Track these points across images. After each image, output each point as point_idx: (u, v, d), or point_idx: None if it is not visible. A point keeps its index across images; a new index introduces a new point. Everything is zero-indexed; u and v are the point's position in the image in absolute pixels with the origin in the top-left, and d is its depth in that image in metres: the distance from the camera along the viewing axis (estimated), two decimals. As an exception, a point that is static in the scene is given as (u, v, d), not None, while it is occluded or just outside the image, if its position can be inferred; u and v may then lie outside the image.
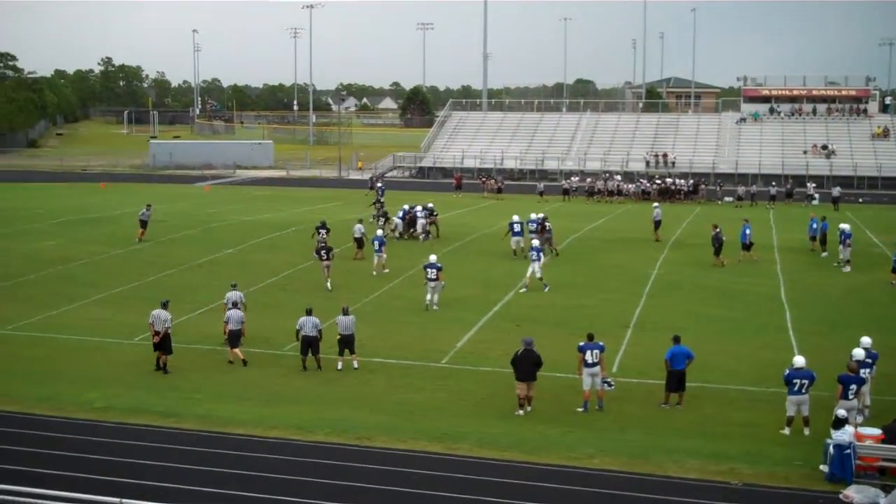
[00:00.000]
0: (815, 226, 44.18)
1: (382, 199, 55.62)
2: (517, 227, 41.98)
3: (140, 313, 25.29)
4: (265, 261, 40.26)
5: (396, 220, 47.92)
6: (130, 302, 32.22)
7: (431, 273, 32.06)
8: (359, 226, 42.55)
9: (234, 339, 25.61)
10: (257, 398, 22.47)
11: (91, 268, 39.41)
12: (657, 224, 47.90)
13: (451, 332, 28.86)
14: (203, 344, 27.17)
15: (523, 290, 35.12)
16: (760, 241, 46.44)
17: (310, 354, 24.79)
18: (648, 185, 72.97)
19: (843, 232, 40.24)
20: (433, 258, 33.09)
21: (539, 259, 35.48)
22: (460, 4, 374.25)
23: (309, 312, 25.12)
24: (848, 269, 39.33)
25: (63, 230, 49.88)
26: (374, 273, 37.64)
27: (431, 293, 32.17)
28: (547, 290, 34.87)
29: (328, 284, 35.26)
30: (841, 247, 40.21)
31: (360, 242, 41.73)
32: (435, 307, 32.05)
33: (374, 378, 24.35)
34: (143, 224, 46.52)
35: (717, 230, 40.74)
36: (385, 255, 38.30)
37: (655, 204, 52.53)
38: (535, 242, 37.40)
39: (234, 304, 26.39)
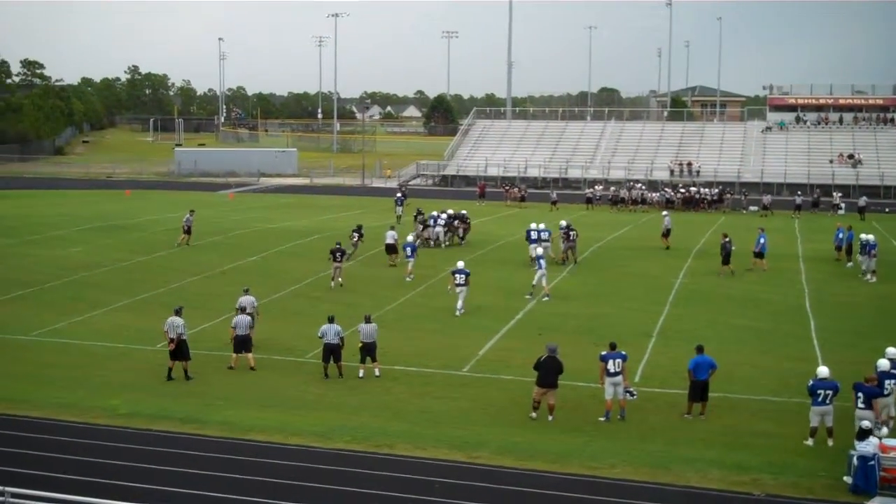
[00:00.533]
0: (840, 235, 43.86)
1: (401, 208, 56.03)
2: (533, 235, 42.03)
3: (163, 320, 25.40)
4: (288, 268, 40.37)
5: (438, 229, 47.73)
6: (154, 308, 32.36)
7: (460, 279, 32.44)
8: (391, 232, 43.01)
9: (240, 344, 25.64)
10: (279, 405, 22.52)
11: (115, 274, 39.64)
12: (667, 232, 47.81)
13: (474, 340, 28.83)
14: (225, 351, 27.19)
15: (527, 296, 35.20)
16: (786, 250, 46.24)
17: (331, 362, 24.84)
18: (673, 194, 72.72)
19: (867, 243, 39.90)
20: (461, 264, 33.43)
21: (542, 268, 35.49)
22: (485, 13, 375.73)
23: (331, 320, 25.17)
24: (873, 279, 39.00)
25: (88, 237, 50.20)
26: (408, 279, 38.15)
27: (460, 300, 32.53)
28: (546, 300, 34.76)
29: (332, 283, 36.67)
30: (865, 257, 39.88)
31: (391, 248, 42.20)
32: (458, 312, 32.23)
33: (396, 386, 24.36)
34: (187, 230, 47.15)
35: (727, 239, 40.82)
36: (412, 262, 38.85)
37: (665, 212, 52.54)
38: (540, 251, 37.95)
39: (243, 310, 26.48)
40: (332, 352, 24.81)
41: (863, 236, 41.02)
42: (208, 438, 19.86)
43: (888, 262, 42.85)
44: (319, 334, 24.96)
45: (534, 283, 35.63)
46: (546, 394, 21.57)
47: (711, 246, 43.56)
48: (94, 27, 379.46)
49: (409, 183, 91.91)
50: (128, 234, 51.42)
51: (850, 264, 41.96)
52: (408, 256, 39.01)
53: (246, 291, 28.87)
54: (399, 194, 63.43)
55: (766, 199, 70.18)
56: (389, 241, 42.43)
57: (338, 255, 37.12)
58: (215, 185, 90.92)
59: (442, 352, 27.58)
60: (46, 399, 22.53)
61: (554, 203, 69.78)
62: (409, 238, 41.22)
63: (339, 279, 37.13)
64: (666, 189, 75.81)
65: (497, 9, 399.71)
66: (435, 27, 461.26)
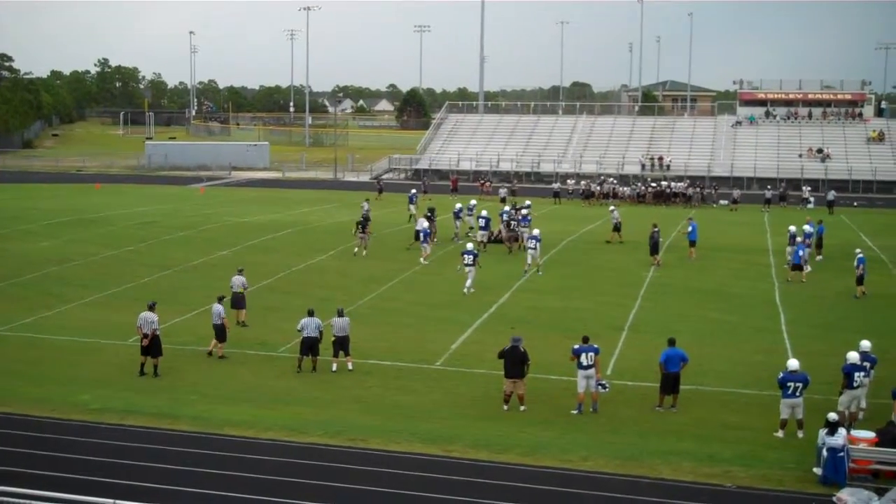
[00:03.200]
0: (810, 229, 44.15)
1: (414, 206, 55.45)
2: (482, 223, 44.68)
3: (134, 314, 25.26)
4: (261, 262, 40.22)
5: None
6: (125, 303, 32.17)
7: (468, 259, 34.95)
8: (423, 220, 44.84)
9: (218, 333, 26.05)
10: (252, 399, 22.46)
11: (86, 269, 39.37)
12: (617, 227, 48.01)
13: (446, 334, 28.87)
14: (197, 345, 27.15)
15: (539, 272, 38.53)
16: (756, 244, 46.63)
17: (309, 356, 24.83)
18: (643, 188, 73.04)
19: (806, 233, 41.14)
20: (470, 246, 36.15)
21: (536, 248, 38.58)
22: (457, 7, 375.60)
23: (311, 314, 25.13)
24: (808, 268, 39.27)
25: (58, 231, 49.82)
26: (423, 261, 40.75)
27: (469, 278, 34.81)
28: (539, 274, 37.98)
29: (356, 250, 42.56)
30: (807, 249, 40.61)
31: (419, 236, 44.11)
32: (467, 290, 34.54)
33: (369, 380, 24.36)
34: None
35: (656, 230, 41.75)
36: (429, 248, 41.59)
37: (612, 207, 52.93)
38: (536, 232, 39.98)
39: (220, 299, 26.49)
40: (311, 346, 24.79)
41: (805, 227, 41.90)
42: (181, 433, 19.77)
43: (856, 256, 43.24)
44: (299, 327, 24.87)
45: (528, 262, 38.87)
46: (515, 384, 21.69)
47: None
48: (64, 20, 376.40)
49: (382, 177, 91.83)
50: (98, 228, 51.07)
51: (819, 258, 42.25)
52: (422, 242, 41.80)
53: (240, 272, 29.97)
54: (413, 191, 60.19)
55: (736, 193, 70.69)
56: (419, 227, 44.15)
57: (359, 226, 43.24)
58: (186, 178, 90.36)
59: (415, 346, 27.60)
60: (16, 394, 22.37)
61: (504, 197, 67.50)
62: (425, 224, 43.48)
63: (363, 250, 42.54)
64: (637, 183, 76.12)
65: (469, 3, 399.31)
66: (407, 21, 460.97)
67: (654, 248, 41.23)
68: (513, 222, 45.87)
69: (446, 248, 44.55)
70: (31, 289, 35.28)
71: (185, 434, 19.74)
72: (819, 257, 42.34)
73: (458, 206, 49.69)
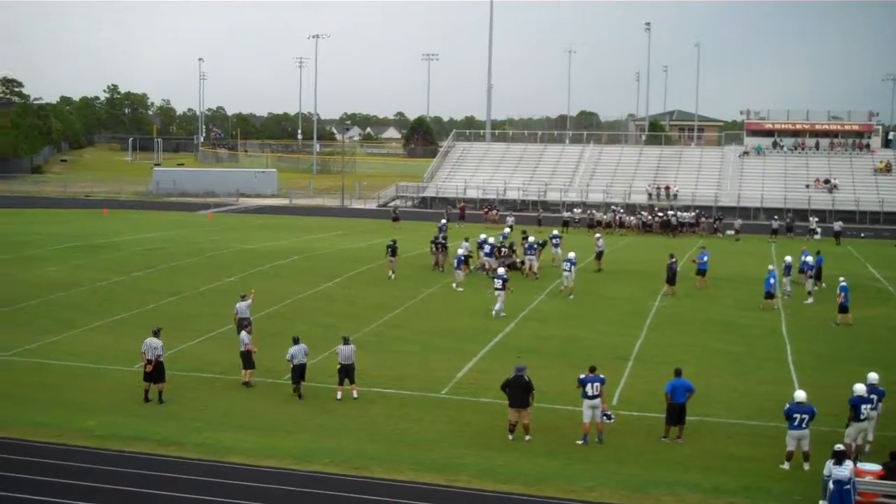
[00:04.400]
0: (809, 260, 44.10)
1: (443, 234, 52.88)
2: (487, 249, 45.52)
3: (140, 340, 25.26)
4: (267, 289, 40.19)
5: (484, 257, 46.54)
6: (131, 329, 32.20)
7: (498, 283, 36.05)
8: (466, 244, 45.76)
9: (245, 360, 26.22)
10: (256, 427, 22.43)
11: (93, 294, 39.44)
12: (599, 255, 48.12)
13: (452, 362, 28.83)
14: (203, 372, 27.16)
15: (571, 296, 40.06)
16: (763, 275, 46.40)
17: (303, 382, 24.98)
18: (650, 217, 73.09)
19: (806, 264, 41.22)
20: (501, 271, 37.19)
21: (571, 271, 40.22)
22: (466, 36, 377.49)
23: (296, 341, 25.32)
24: (811, 300, 39.65)
25: (65, 256, 49.95)
26: (456, 288, 41.39)
27: (499, 302, 35.75)
28: (571, 298, 39.75)
29: (390, 274, 43.76)
30: (808, 279, 41.00)
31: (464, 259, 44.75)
32: (496, 313, 35.48)
33: (374, 408, 24.31)
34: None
35: (673, 260, 41.93)
36: (462, 275, 42.08)
37: (598, 234, 52.96)
38: (572, 255, 41.24)
39: (244, 327, 26.82)
40: (302, 372, 24.93)
41: (805, 258, 41.85)
42: (185, 460, 19.73)
43: (863, 287, 43.20)
44: (289, 357, 25.02)
45: (565, 284, 40.56)
46: (520, 414, 21.64)
47: (688, 269, 43.78)
48: (74, 46, 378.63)
49: (389, 205, 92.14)
50: (105, 254, 51.19)
51: (816, 288, 41.61)
52: (456, 268, 42.33)
53: (243, 297, 30.04)
54: (444, 220, 58.53)
55: (737, 223, 70.76)
56: (462, 252, 44.56)
57: (389, 250, 44.49)
58: (194, 205, 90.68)
59: (420, 374, 27.56)
60: (20, 419, 22.34)
61: (512, 225, 67.76)
62: (460, 251, 44.16)
63: (393, 272, 43.67)
64: (643, 212, 76.17)
65: (477, 32, 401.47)
66: (415, 50, 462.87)
67: (672, 278, 41.21)
68: (504, 249, 46.35)
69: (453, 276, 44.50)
70: (37, 314, 35.34)
71: (190, 461, 19.69)
72: (816, 287, 41.72)
73: (483, 236, 48.54)
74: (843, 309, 35.68)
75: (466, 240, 46.69)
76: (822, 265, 43.41)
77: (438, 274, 45.31)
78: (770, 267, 40.15)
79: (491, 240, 46.81)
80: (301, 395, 24.88)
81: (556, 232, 52.33)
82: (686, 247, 57.69)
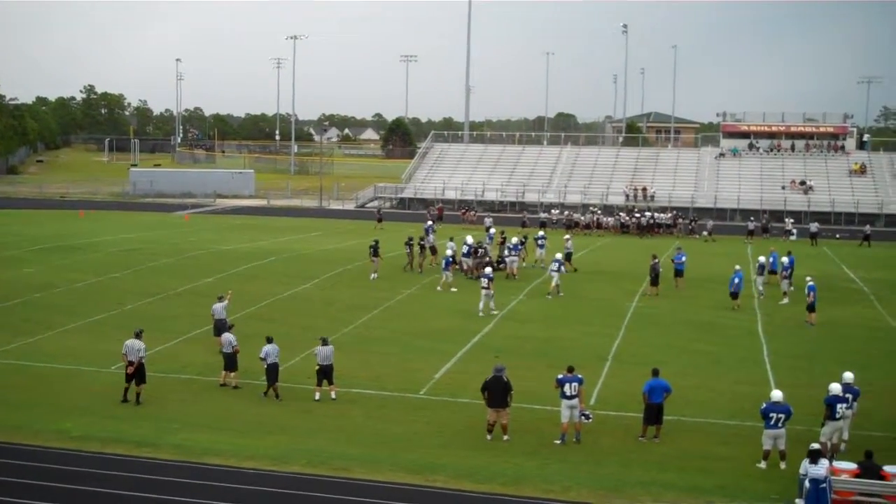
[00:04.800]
0: (772, 260, 44.57)
1: (433, 236, 51.20)
2: (465, 249, 45.63)
3: (118, 342, 25.19)
4: (245, 290, 40.10)
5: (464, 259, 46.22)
6: (108, 330, 32.07)
7: (484, 282, 36.61)
8: (451, 244, 45.73)
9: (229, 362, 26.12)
10: (234, 428, 22.39)
11: (69, 295, 39.22)
12: (568, 256, 47.89)
13: (430, 363, 28.86)
14: (180, 373, 27.08)
15: (560, 293, 40.50)
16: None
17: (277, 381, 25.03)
18: (627, 218, 73.35)
19: (781, 264, 41.67)
20: (488, 270, 37.56)
21: (559, 271, 40.66)
22: (443, 37, 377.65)
23: (270, 340, 25.37)
24: (786, 300, 39.88)
25: (41, 257, 49.64)
26: (445, 288, 41.45)
27: (484, 300, 36.41)
28: (560, 295, 40.26)
29: (373, 274, 43.80)
30: (783, 280, 41.27)
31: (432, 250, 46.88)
32: (486, 312, 36.21)
33: (352, 409, 24.30)
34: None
35: (656, 261, 42.10)
36: (450, 275, 42.04)
37: (567, 236, 53.10)
38: (559, 255, 42.00)
39: (229, 327, 26.88)
40: (275, 372, 24.94)
41: (784, 259, 42.13)
42: (163, 462, 19.69)
43: (838, 288, 43.57)
44: (262, 355, 25.04)
45: (553, 284, 40.72)
46: (498, 414, 21.69)
47: (666, 270, 43.92)
48: (50, 46, 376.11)
49: (367, 205, 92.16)
50: (82, 255, 50.91)
51: (790, 289, 41.80)
52: (444, 269, 42.23)
53: (220, 299, 30.07)
54: (430, 222, 55.06)
55: (709, 224, 71.14)
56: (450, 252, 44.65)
57: (371, 250, 44.54)
58: (171, 205, 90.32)
59: (398, 375, 27.58)
60: (-3, 421, 22.23)
61: (489, 226, 67.38)
62: (448, 253, 43.85)
63: (375, 272, 43.82)
64: (621, 213, 76.44)
65: (455, 34, 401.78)
66: (393, 51, 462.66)
67: (656, 279, 41.45)
68: (480, 250, 46.33)
69: (432, 276, 44.54)
70: (13, 315, 35.11)
71: (167, 463, 19.65)
72: (790, 288, 41.83)
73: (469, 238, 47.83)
74: (811, 308, 36.04)
75: (451, 239, 46.55)
76: (794, 266, 43.60)
77: (416, 275, 45.29)
78: (737, 267, 40.44)
79: (469, 240, 46.76)
80: (278, 396, 24.85)
81: (541, 233, 52.32)
82: (663, 247, 57.91)
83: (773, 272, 43.58)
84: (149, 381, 24.70)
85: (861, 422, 22.08)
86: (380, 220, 71.01)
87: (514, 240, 47.26)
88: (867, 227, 68.49)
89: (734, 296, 38.66)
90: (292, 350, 28.58)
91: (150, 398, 24.47)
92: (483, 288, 36.51)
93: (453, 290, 41.17)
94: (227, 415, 23.56)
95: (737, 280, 38.95)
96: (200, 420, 23.03)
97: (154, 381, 25.17)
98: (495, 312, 36.21)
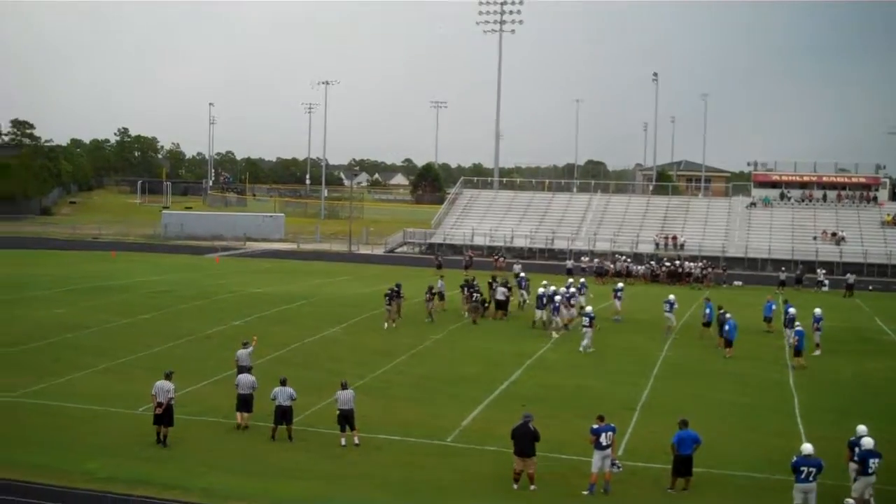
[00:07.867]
0: (773, 307, 44.43)
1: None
2: (544, 299, 44.32)
3: (146, 383, 25.26)
4: (273, 333, 40.20)
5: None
6: (137, 372, 32.19)
7: (585, 321, 39.11)
8: (502, 289, 47.13)
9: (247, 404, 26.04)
10: (261, 472, 22.33)
11: (99, 336, 39.44)
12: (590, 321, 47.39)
13: (457, 409, 28.70)
14: (208, 416, 27.07)
15: (591, 349, 39.17)
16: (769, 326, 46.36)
17: (283, 424, 24.98)
18: (657, 267, 73.06)
19: (794, 317, 40.50)
20: (589, 308, 40.38)
21: (591, 326, 39.61)
22: (474, 83, 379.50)
23: (283, 383, 25.39)
24: (818, 352, 39.35)
25: (72, 298, 50.03)
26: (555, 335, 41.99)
27: (586, 339, 38.72)
28: (591, 350, 39.09)
29: (385, 325, 42.58)
30: (789, 331, 40.15)
31: (501, 304, 46.52)
32: (584, 349, 38.41)
33: (379, 455, 24.18)
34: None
35: (721, 311, 41.41)
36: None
37: (570, 280, 52.80)
38: (589, 309, 41.09)
39: (242, 368, 26.78)
40: (284, 414, 24.94)
41: (791, 310, 41.68)
42: (189, 505, 19.64)
43: (872, 340, 43.10)
44: (272, 396, 25.09)
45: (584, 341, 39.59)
46: (525, 462, 21.52)
47: (695, 319, 43.61)
48: (85, 89, 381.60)
49: (396, 250, 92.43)
50: (112, 296, 51.26)
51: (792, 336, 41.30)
52: (553, 315, 42.89)
53: (245, 345, 29.82)
54: (522, 274, 55.74)
55: (723, 271, 71.13)
56: (500, 297, 45.51)
57: (387, 298, 43.25)
58: (201, 248, 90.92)
59: (425, 421, 27.43)
60: (23, 461, 22.28)
61: (519, 273, 67.43)
62: (541, 291, 44.29)
63: (393, 322, 42.77)
64: (651, 262, 76.15)
65: (486, 80, 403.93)
66: (424, 96, 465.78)
67: (723, 332, 40.15)
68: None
69: (463, 321, 44.46)
70: (43, 355, 35.31)
71: (193, 506, 19.60)
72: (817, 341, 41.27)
73: (553, 288, 46.82)
74: (798, 353, 36.43)
75: (504, 284, 47.89)
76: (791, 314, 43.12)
77: (443, 320, 45.17)
78: (768, 297, 40.52)
79: (553, 288, 45.33)
80: (274, 437, 24.89)
81: (583, 281, 53.43)
82: (695, 296, 57.59)
83: (766, 320, 43.74)
84: (175, 423, 24.72)
85: (888, 477, 21.69)
86: (439, 266, 69.69)
87: (522, 274, 47.80)
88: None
89: (768, 320, 39.07)
90: (319, 394, 28.55)
91: (177, 440, 24.48)
92: (584, 326, 39.06)
93: (555, 335, 41.97)
94: (255, 458, 23.49)
95: (774, 307, 40.60)
96: (227, 463, 22.98)
97: (181, 424, 25.18)
98: (591, 349, 38.62)
